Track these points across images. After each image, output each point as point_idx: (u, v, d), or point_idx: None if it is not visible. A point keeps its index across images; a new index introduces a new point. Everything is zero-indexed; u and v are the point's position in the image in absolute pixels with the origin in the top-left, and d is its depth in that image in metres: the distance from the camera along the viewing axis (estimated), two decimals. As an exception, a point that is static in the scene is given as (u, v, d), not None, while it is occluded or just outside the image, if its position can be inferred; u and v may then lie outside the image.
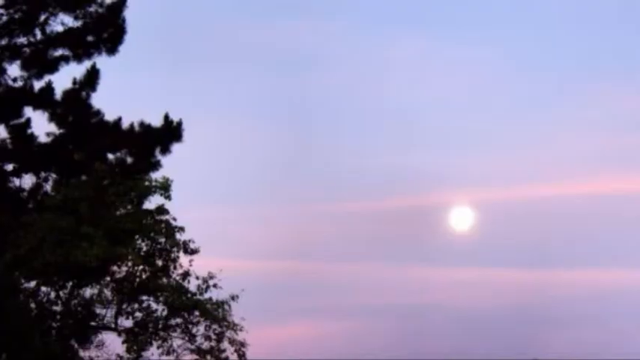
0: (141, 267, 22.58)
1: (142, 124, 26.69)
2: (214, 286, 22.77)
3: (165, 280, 22.73)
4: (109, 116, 26.69)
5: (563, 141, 49.47)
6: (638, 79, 50.98)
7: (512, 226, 45.49)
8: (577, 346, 35.46)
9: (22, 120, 26.59)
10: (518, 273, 42.93)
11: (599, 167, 47.49)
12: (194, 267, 22.92)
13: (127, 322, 22.76)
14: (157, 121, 26.91)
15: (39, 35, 26.32)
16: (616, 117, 49.24)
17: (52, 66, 26.65)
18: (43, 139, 26.38)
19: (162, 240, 22.77)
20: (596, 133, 49.12)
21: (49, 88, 26.52)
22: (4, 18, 25.91)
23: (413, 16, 53.54)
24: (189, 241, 22.80)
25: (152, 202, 23.33)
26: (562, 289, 41.87)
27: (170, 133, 26.84)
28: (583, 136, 49.51)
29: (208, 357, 22.50)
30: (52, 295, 22.57)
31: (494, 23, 54.62)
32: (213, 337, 22.51)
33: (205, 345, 22.53)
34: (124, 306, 22.73)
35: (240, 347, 22.46)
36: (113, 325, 22.74)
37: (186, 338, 22.65)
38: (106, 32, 26.41)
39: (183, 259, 22.90)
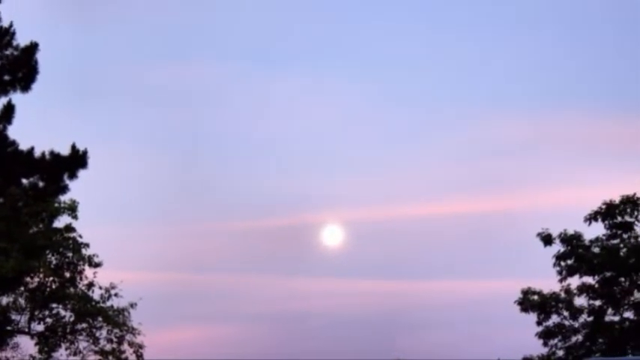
0: (51, 278, 23.96)
1: (51, 153, 27.89)
2: (115, 295, 24.36)
3: (72, 289, 24.21)
4: (23, 146, 27.85)
5: (424, 166, 53.26)
6: (499, 110, 54.66)
7: (377, 242, 49.22)
8: (433, 347, 38.49)
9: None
10: (383, 283, 46.30)
11: (456, 189, 50.99)
12: (98, 278, 24.44)
13: (39, 327, 24.35)
14: (65, 151, 28.17)
15: (-41, 75, 27.29)
16: (475, 145, 53.11)
17: (-27, 103, 27.45)
18: (-35, 166, 27.06)
19: (70, 254, 24.16)
20: (455, 159, 52.94)
21: (-31, 122, 27.37)
22: None
23: (295, 57, 56.84)
24: (94, 255, 24.26)
25: (61, 222, 24.63)
26: (420, 297, 45.12)
27: (77, 160, 28.06)
28: (443, 161, 53.43)
29: (110, 358, 24.06)
30: (-27, 302, 23.84)
31: (369, 61, 58.29)
32: (115, 339, 24.11)
33: (108, 347, 24.12)
34: (37, 312, 24.21)
35: (138, 349, 24.14)
36: (27, 330, 24.25)
37: (91, 341, 24.23)
38: (21, 72, 27.61)
39: (88, 272, 24.40)
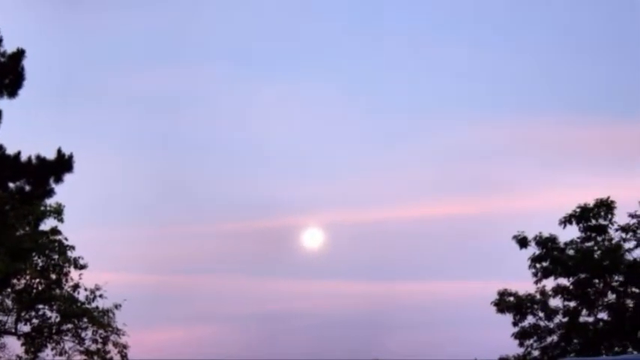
0: (37, 280, 24.45)
1: (38, 157, 27.97)
2: (100, 296, 24.89)
3: (58, 291, 24.67)
4: (10, 150, 27.87)
5: (406, 169, 53.03)
6: (481, 114, 54.93)
7: (357, 244, 49.61)
8: (414, 348, 38.38)
9: None
10: (363, 284, 46.53)
11: (436, 192, 51.09)
12: (83, 280, 24.96)
13: (25, 328, 24.84)
14: (51, 155, 28.25)
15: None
16: (455, 148, 53.05)
17: (-40, 109, 27.43)
18: (-47, 171, 27.12)
19: (56, 257, 24.60)
20: (435, 163, 53.19)
21: (-43, 127, 27.29)
22: None
23: (279, 61, 57.07)
24: (79, 257, 24.74)
25: (47, 225, 25.02)
26: (401, 298, 45.34)
27: (62, 164, 28.14)
28: (424, 164, 53.35)
29: (95, 357, 24.66)
30: (-40, 304, 24.18)
31: (351, 66, 58.53)
32: (100, 340, 24.69)
33: (93, 347, 24.69)
34: (23, 313, 24.68)
35: (122, 349, 24.74)
36: (13, 330, 24.69)
37: (76, 341, 24.80)
38: (7, 78, 27.63)
39: (74, 274, 24.90)
